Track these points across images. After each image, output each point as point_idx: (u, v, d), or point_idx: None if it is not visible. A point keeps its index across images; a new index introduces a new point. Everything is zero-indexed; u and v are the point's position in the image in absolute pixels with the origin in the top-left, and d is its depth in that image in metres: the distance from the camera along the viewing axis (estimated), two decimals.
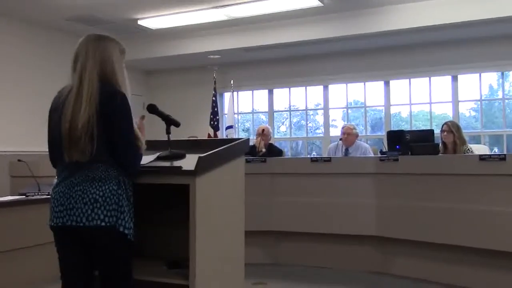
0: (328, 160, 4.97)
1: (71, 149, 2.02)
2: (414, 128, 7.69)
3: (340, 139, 5.79)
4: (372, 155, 5.64)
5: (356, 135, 5.84)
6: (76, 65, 2.11)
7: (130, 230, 2.07)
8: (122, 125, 2.07)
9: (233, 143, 2.48)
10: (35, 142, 5.89)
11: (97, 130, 2.01)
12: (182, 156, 2.40)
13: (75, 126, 2.00)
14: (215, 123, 8.19)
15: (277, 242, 5.04)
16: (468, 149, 5.02)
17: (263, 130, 5.96)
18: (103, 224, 1.99)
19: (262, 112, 9.20)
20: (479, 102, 7.54)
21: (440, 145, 5.10)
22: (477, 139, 7.42)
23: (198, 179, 2.11)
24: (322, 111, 8.58)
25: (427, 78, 7.66)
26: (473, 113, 8.05)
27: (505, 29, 6.62)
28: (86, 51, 2.11)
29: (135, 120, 2.18)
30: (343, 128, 5.88)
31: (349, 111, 8.57)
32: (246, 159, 4.08)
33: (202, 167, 2.12)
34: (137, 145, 2.13)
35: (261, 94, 9.03)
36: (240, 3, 6.45)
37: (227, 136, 7.90)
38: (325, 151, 8.13)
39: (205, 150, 2.22)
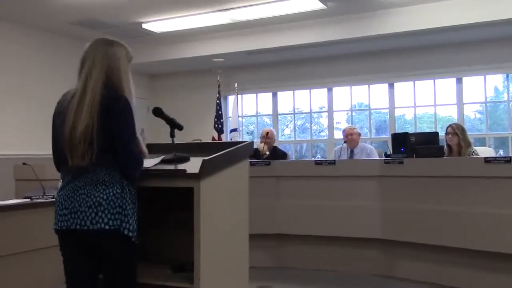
0: (332, 162, 4.96)
1: (72, 154, 2.03)
2: (418, 131, 7.67)
3: (344, 142, 5.80)
4: (377, 156, 5.65)
5: (359, 134, 5.90)
6: (82, 70, 2.11)
7: (134, 233, 2.08)
8: (123, 130, 2.06)
9: (237, 146, 2.47)
10: (39, 145, 5.91)
11: (99, 135, 2.01)
12: (186, 159, 2.40)
13: (74, 133, 2.01)
14: (219, 126, 8.19)
15: (281, 245, 5.03)
16: (473, 151, 5.00)
17: (267, 133, 5.95)
18: (107, 227, 1.99)
19: (266, 115, 9.20)
20: (484, 104, 7.51)
21: (445, 147, 5.08)
22: (482, 142, 7.38)
23: (203, 182, 2.11)
24: (326, 113, 8.57)
25: (432, 80, 7.65)
26: (478, 115, 8.02)
27: (510, 31, 6.60)
28: (94, 57, 2.11)
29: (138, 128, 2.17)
30: (344, 131, 5.93)
31: (354, 113, 8.56)
32: (250, 162, 4.08)
33: (207, 170, 2.12)
34: (137, 152, 2.12)
35: (265, 97, 9.04)
36: (244, 6, 6.46)
37: (231, 139, 7.90)
38: (330, 153, 8.12)
39: (209, 153, 2.22)
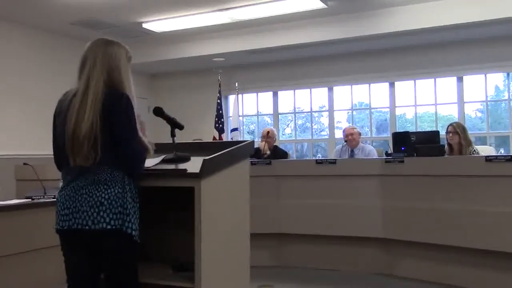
0: (333, 162, 4.96)
1: (74, 155, 2.03)
2: (419, 130, 7.67)
3: (345, 141, 5.80)
4: (376, 156, 5.63)
5: (359, 134, 5.90)
6: (83, 70, 2.11)
7: (136, 231, 2.08)
8: (125, 129, 2.07)
9: (238, 145, 2.47)
10: (40, 145, 5.92)
11: (102, 135, 2.01)
12: (187, 159, 2.39)
13: (78, 133, 2.01)
14: (220, 125, 8.20)
15: (282, 244, 5.03)
16: (474, 150, 4.99)
17: (268, 132, 5.96)
18: (108, 227, 2.00)
19: (267, 115, 9.20)
20: (485, 103, 7.51)
21: (445, 146, 5.08)
22: (483, 140, 7.38)
23: (203, 182, 2.11)
24: (327, 113, 8.57)
25: (432, 79, 7.64)
26: (479, 114, 8.02)
27: (511, 30, 6.59)
28: (95, 56, 2.11)
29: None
30: (344, 131, 5.93)
31: (354, 112, 8.55)
32: (251, 161, 4.08)
33: (207, 169, 2.12)
34: (139, 150, 2.12)
35: (266, 97, 9.04)
36: (244, 6, 6.45)
37: (232, 139, 7.90)
38: (331, 153, 8.12)
39: (210, 153, 2.22)
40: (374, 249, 4.69)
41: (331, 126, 8.46)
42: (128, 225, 2.03)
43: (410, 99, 7.84)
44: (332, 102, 8.42)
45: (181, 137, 2.45)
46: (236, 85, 8.32)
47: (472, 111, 7.96)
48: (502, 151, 6.00)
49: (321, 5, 6.41)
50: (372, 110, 8.32)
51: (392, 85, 7.94)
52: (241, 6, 6.47)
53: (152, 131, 2.35)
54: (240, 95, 8.63)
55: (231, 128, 8.26)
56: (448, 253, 4.18)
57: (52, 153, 2.21)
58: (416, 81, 7.75)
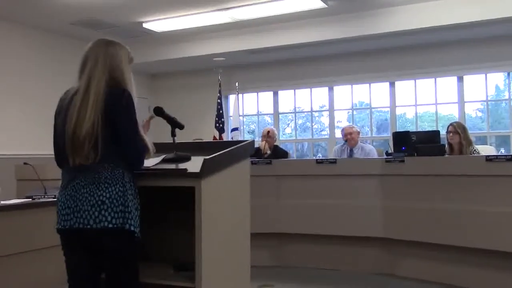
0: (333, 161, 4.95)
1: (74, 154, 2.03)
2: (419, 129, 7.67)
3: (345, 141, 5.80)
4: (376, 156, 5.63)
5: (358, 132, 5.89)
6: (84, 70, 2.11)
7: (138, 228, 2.08)
8: (126, 128, 2.07)
9: (238, 145, 2.47)
10: (41, 145, 5.91)
11: (102, 134, 2.01)
12: (187, 159, 2.40)
13: (79, 133, 2.01)
14: (220, 125, 8.20)
15: (282, 244, 5.03)
16: (475, 150, 4.99)
17: (268, 132, 5.96)
18: (110, 226, 1.99)
19: (267, 114, 9.20)
20: (485, 103, 7.51)
21: (446, 146, 5.08)
22: (483, 140, 7.38)
23: (204, 182, 2.11)
24: (327, 112, 8.57)
25: (433, 79, 7.64)
26: (479, 114, 8.02)
27: (511, 29, 6.58)
28: (96, 56, 2.11)
29: (142, 119, 2.18)
30: (343, 130, 5.92)
31: (355, 112, 8.55)
32: (251, 161, 4.08)
33: (208, 169, 2.12)
34: (139, 148, 2.12)
35: (266, 96, 9.04)
36: (244, 5, 6.45)
37: (232, 138, 7.90)
38: (331, 152, 8.12)
39: (210, 153, 2.22)
40: (375, 249, 4.68)
41: (332, 126, 8.46)
42: (130, 222, 2.03)
43: (411, 99, 7.84)
44: (333, 102, 8.42)
45: (181, 137, 2.46)
46: (236, 84, 8.32)
47: (472, 110, 7.96)
48: (502, 151, 5.99)
49: (321, 5, 6.41)
50: (373, 109, 8.32)
51: (392, 84, 7.94)
52: (241, 6, 6.47)
53: (152, 131, 2.35)
54: (240, 95, 8.62)
55: (232, 127, 8.27)
56: (449, 253, 4.18)
57: (52, 152, 2.21)
58: (416, 80, 7.75)
